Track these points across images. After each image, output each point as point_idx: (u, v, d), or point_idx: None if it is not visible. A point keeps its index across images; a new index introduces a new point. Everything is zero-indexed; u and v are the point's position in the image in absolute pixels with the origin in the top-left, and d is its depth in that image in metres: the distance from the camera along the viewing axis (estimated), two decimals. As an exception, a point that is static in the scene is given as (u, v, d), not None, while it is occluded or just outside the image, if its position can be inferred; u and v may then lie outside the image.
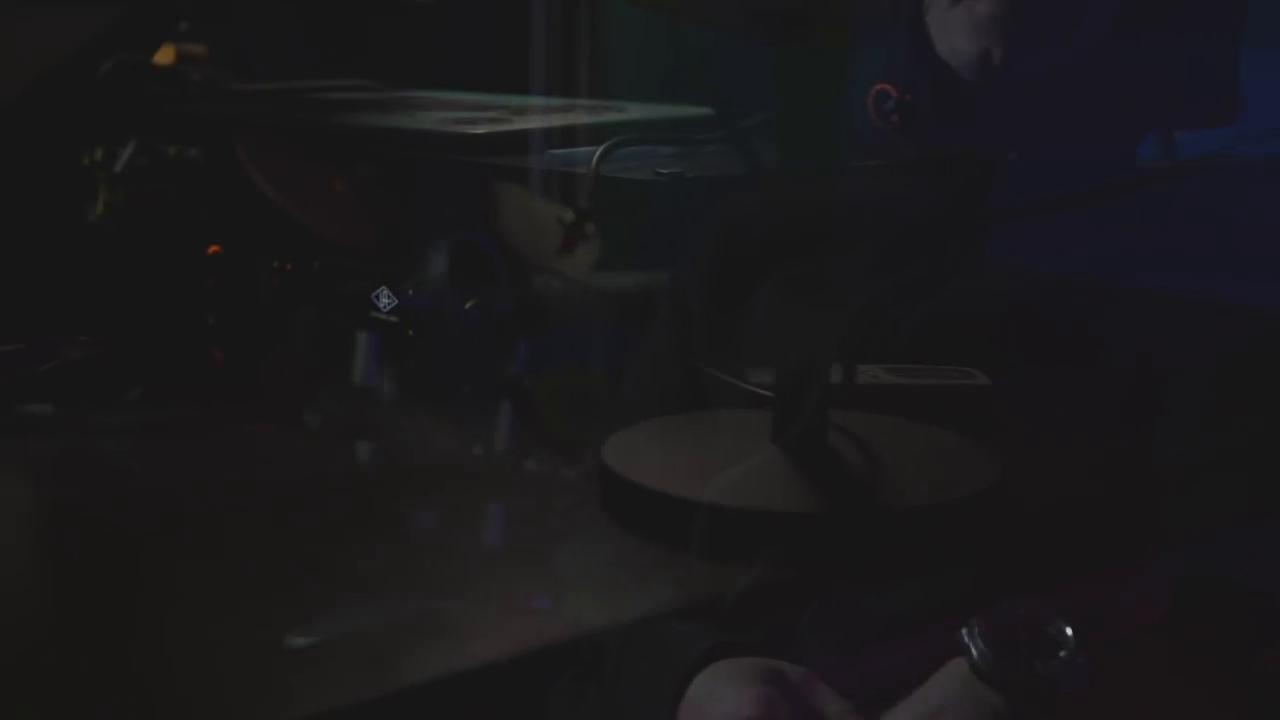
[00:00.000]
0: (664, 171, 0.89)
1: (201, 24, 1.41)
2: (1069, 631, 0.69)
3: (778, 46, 0.68)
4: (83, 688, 0.58)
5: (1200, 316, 0.85)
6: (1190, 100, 0.88)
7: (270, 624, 0.61)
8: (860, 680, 0.71)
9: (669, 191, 0.89)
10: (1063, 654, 0.70)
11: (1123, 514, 0.78)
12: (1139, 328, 0.87)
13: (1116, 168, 0.90)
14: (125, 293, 1.11)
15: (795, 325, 0.70)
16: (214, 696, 0.57)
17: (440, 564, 0.68)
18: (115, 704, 0.57)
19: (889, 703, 0.69)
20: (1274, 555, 0.80)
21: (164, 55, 1.35)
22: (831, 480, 0.71)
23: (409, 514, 0.74)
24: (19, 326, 0.99)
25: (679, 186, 0.89)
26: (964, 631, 0.71)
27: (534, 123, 1.06)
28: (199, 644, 0.60)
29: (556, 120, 1.07)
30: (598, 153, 0.91)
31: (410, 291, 0.92)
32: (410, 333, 1.01)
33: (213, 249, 1.14)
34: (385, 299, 1.03)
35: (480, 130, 1.03)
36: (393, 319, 1.03)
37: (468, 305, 0.97)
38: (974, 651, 0.70)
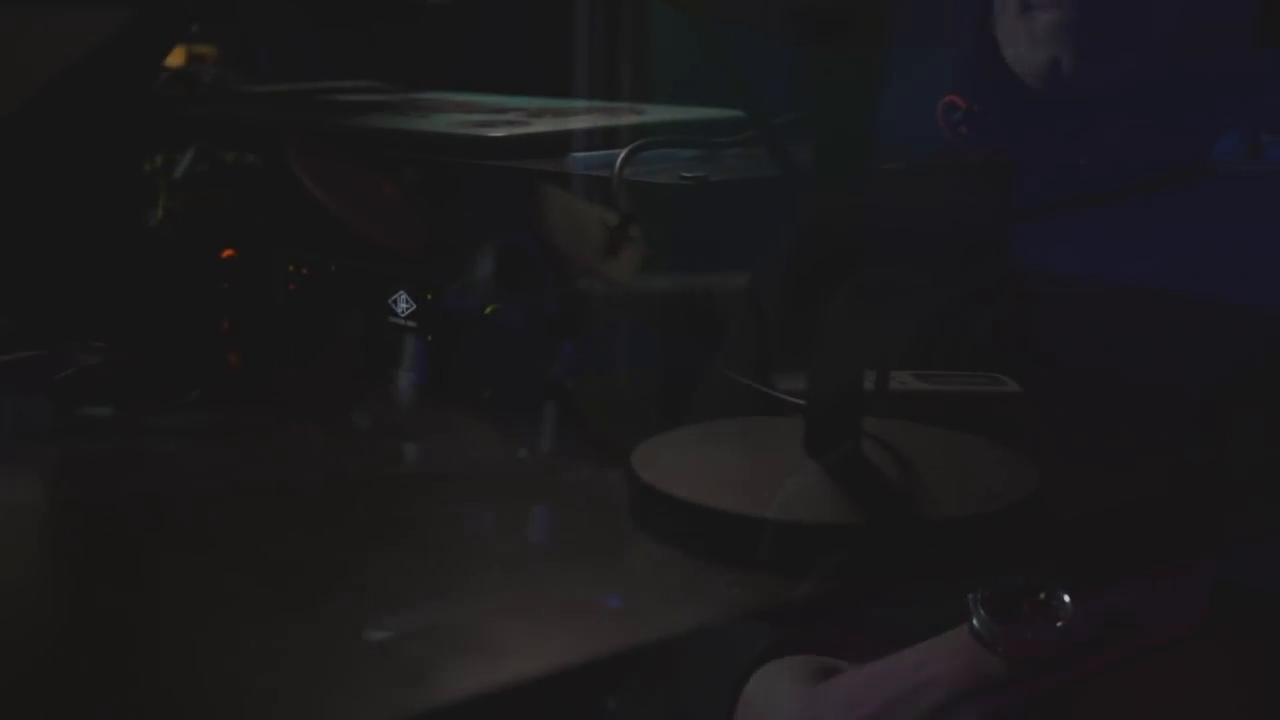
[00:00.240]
0: (688, 175, 0.88)
1: (210, 25, 1.41)
2: (1067, 599, 0.69)
3: (815, 49, 0.67)
4: (107, 693, 0.57)
5: (1238, 321, 0.85)
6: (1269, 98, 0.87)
7: (301, 638, 0.60)
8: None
9: (694, 196, 0.88)
10: (1060, 623, 0.70)
11: (1158, 521, 0.77)
12: (1175, 332, 0.86)
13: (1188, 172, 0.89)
14: (143, 297, 1.11)
15: (841, 332, 0.69)
16: (243, 713, 0.56)
17: (471, 574, 0.67)
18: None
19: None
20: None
21: (174, 57, 1.34)
22: (868, 491, 0.70)
23: (439, 521, 0.73)
24: (38, 332, 0.99)
25: (704, 191, 0.88)
26: (969, 598, 0.71)
27: (553, 125, 1.05)
28: (231, 656, 0.59)
29: (576, 123, 1.06)
30: (621, 156, 0.90)
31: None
32: (429, 337, 1.01)
33: (227, 252, 1.14)
34: (403, 303, 1.02)
35: (499, 133, 1.02)
36: (410, 323, 1.02)
37: (487, 310, 0.97)
38: (975, 618, 0.70)
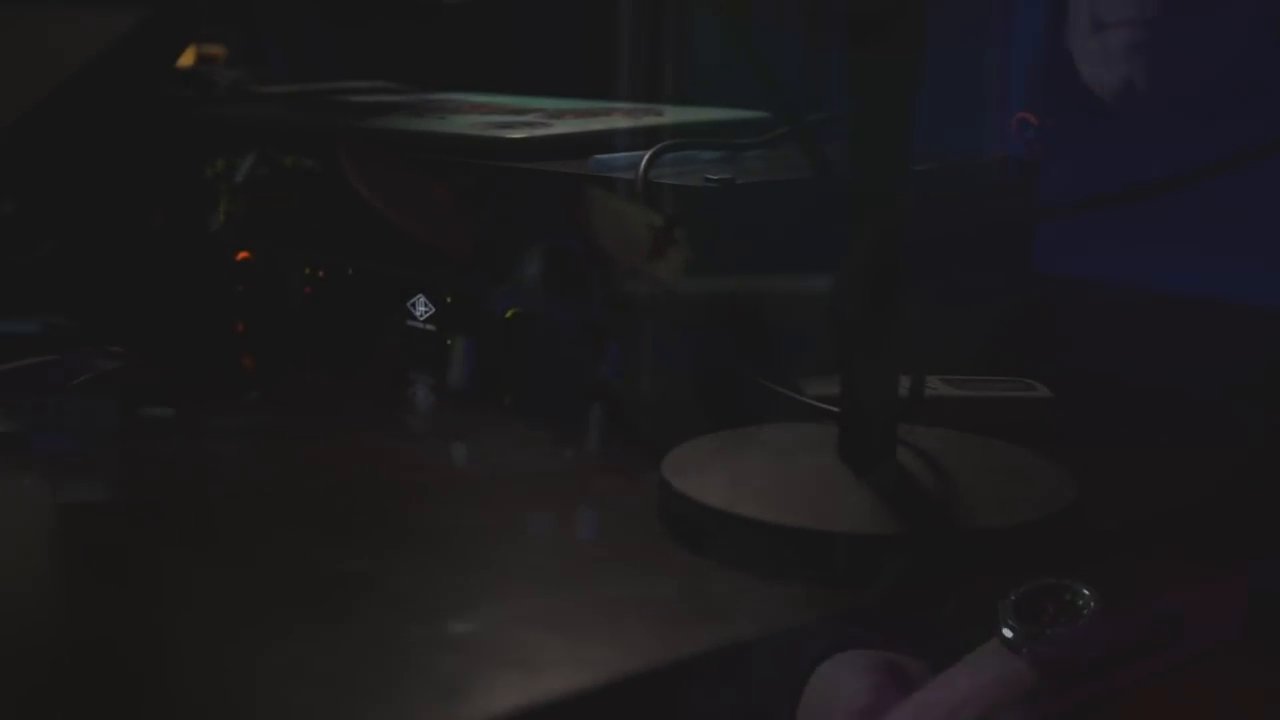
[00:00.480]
0: (714, 178, 0.87)
1: (221, 24, 1.40)
2: (1085, 592, 0.68)
3: (855, 52, 0.66)
4: (134, 705, 0.56)
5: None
6: None
7: (333, 651, 0.59)
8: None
9: (719, 198, 0.86)
10: (1082, 620, 0.69)
11: (1195, 528, 0.76)
12: (1206, 335, 0.86)
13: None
14: (157, 300, 1.10)
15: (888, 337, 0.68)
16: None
17: (504, 583, 0.65)
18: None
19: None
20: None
21: (184, 57, 1.33)
22: (906, 500, 0.69)
23: (470, 529, 0.72)
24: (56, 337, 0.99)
25: (729, 193, 0.87)
26: (998, 605, 0.70)
27: (574, 127, 1.03)
28: (262, 670, 0.58)
29: (596, 124, 1.05)
30: (645, 158, 0.88)
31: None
32: (449, 342, 1.00)
33: (242, 255, 1.12)
34: (422, 306, 1.01)
35: (518, 135, 1.00)
36: (429, 327, 1.01)
37: (508, 314, 0.95)
38: (1004, 625, 0.69)
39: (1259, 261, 0.95)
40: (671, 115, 1.10)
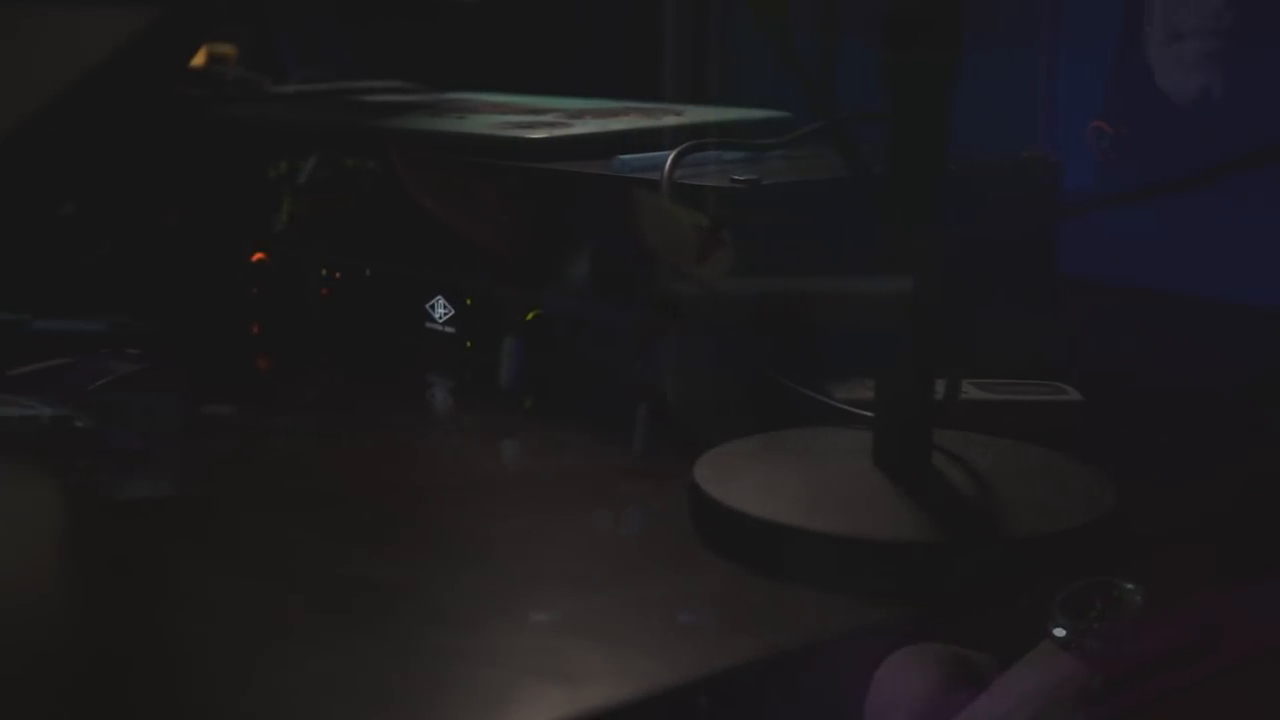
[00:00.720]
0: (740, 179, 0.86)
1: (233, 23, 1.39)
2: (1131, 588, 0.67)
3: (894, 54, 0.65)
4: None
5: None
6: None
7: (368, 663, 0.58)
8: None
9: (747, 199, 0.85)
10: (1129, 615, 0.68)
11: (1233, 533, 0.75)
12: (1236, 337, 0.85)
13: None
14: (172, 299, 1.09)
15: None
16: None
17: (542, 592, 0.64)
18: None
19: None
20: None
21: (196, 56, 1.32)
22: (944, 507, 0.68)
23: (504, 536, 0.71)
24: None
25: (756, 194, 0.86)
26: (1050, 605, 0.69)
27: (595, 127, 1.02)
28: (295, 681, 0.57)
29: (616, 124, 1.04)
30: (670, 159, 0.87)
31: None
32: (469, 344, 0.99)
33: (258, 256, 1.11)
34: (441, 308, 1.00)
35: (539, 135, 0.99)
36: (449, 329, 1.00)
37: (529, 316, 0.94)
38: (1055, 625, 0.68)
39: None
40: (691, 115, 1.09)
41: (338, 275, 1.07)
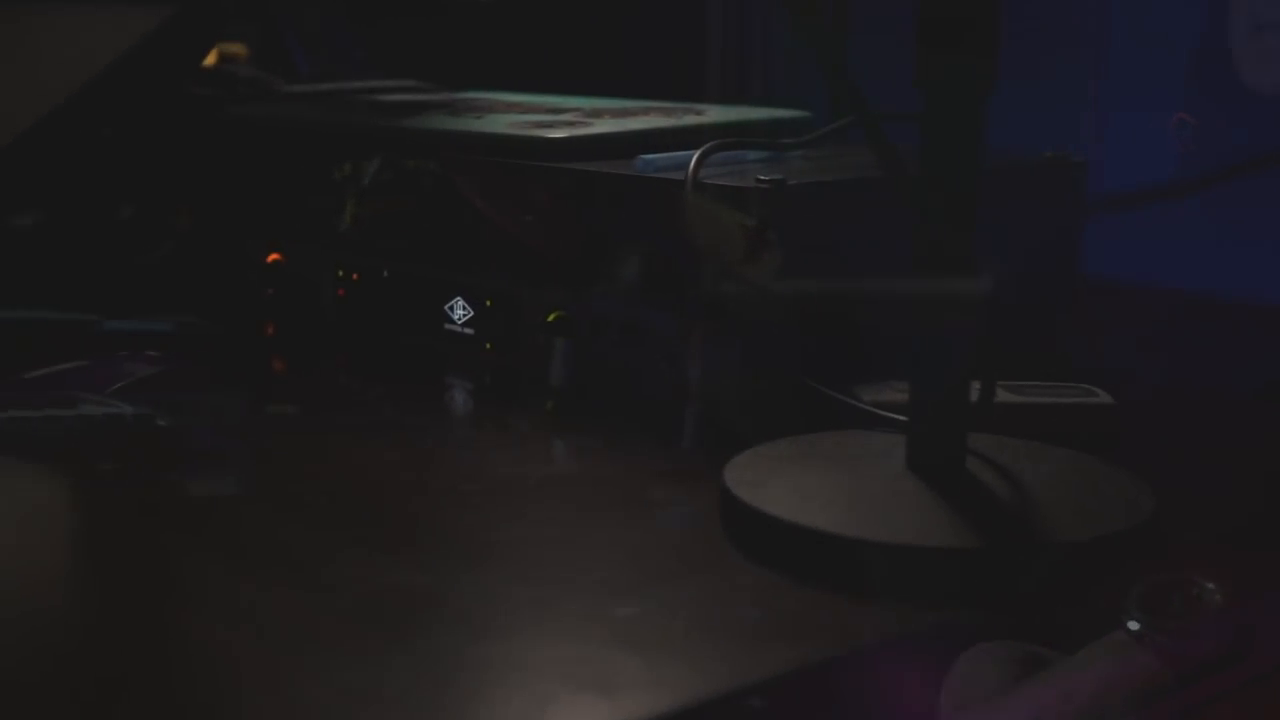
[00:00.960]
0: (765, 179, 0.85)
1: (244, 23, 1.38)
2: (1210, 587, 0.66)
3: (931, 54, 0.64)
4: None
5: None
6: None
7: (401, 672, 0.57)
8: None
9: (772, 200, 0.84)
10: (1210, 613, 0.67)
11: (1271, 537, 0.74)
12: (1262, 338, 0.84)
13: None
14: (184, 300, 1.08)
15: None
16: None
17: (573, 600, 0.63)
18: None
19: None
20: None
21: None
22: (980, 512, 0.67)
23: (534, 542, 0.70)
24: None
25: (781, 194, 0.85)
26: (1125, 597, 0.68)
27: (615, 126, 1.01)
28: (328, 691, 0.56)
29: (636, 124, 1.03)
30: (694, 158, 0.86)
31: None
32: (488, 345, 0.98)
33: (272, 257, 1.10)
34: (460, 310, 0.99)
35: (559, 134, 0.98)
36: (468, 330, 0.99)
37: (550, 318, 0.94)
38: (1129, 618, 0.67)
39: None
40: (712, 114, 1.08)
41: (355, 276, 1.06)
